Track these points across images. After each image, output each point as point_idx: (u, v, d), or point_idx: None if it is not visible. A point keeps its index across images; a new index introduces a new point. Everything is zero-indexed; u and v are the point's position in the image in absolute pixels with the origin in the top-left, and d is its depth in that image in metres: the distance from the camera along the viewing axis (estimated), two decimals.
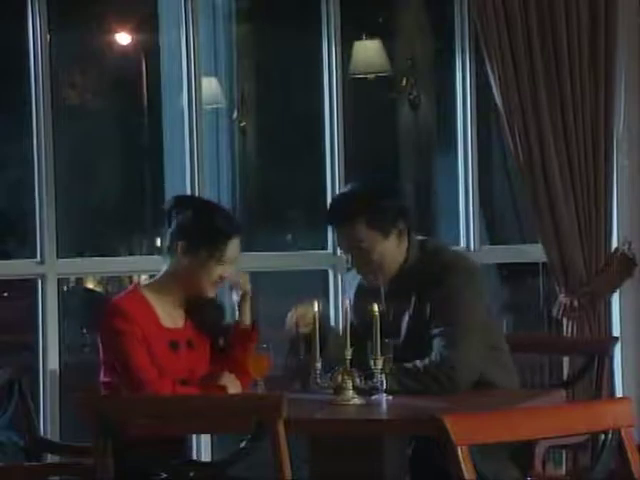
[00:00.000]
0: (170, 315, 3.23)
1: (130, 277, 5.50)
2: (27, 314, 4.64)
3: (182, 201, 3.32)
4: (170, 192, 4.80)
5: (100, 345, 3.22)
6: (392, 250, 3.11)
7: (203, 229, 3.16)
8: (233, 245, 3.15)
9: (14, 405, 3.48)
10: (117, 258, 5.19)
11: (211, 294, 3.22)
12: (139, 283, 3.43)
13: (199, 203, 3.35)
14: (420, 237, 3.24)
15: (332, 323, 4.42)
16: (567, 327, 4.44)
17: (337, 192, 4.33)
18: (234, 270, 3.23)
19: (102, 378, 3.20)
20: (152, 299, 3.19)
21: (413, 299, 3.12)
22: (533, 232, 4.60)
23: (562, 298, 4.41)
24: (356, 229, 3.08)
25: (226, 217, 3.23)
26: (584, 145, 4.33)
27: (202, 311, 3.28)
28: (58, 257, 4.32)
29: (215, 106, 5.94)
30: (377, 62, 6.08)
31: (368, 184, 3.28)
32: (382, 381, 2.98)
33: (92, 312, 6.54)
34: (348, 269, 3.29)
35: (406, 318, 3.13)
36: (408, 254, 3.15)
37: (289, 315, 3.12)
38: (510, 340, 3.35)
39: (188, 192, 4.39)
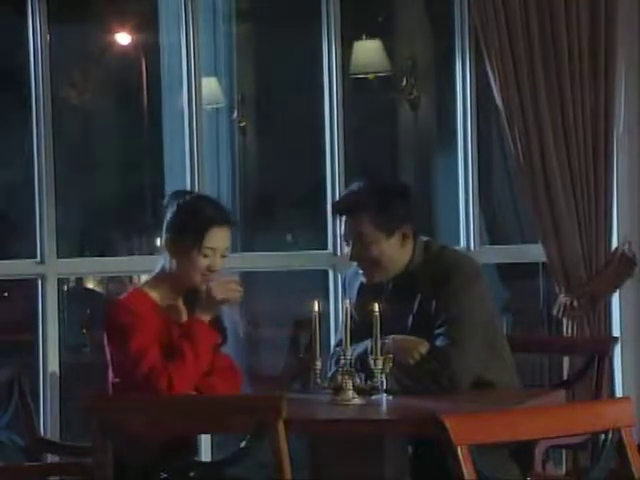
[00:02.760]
0: (174, 309, 3.24)
1: (130, 277, 5.50)
2: (27, 314, 4.64)
3: (173, 196, 3.32)
4: None
5: (108, 345, 3.22)
6: (393, 250, 3.11)
7: (184, 220, 3.15)
8: (214, 234, 3.13)
9: (14, 405, 3.48)
10: (117, 258, 5.19)
11: (202, 286, 3.21)
12: (138, 283, 3.45)
13: (187, 196, 3.33)
14: (424, 238, 3.23)
15: (332, 322, 4.44)
16: (567, 327, 4.44)
17: (344, 188, 4.31)
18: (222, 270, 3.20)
19: (111, 379, 3.19)
20: (154, 296, 3.20)
21: (417, 299, 3.12)
22: (533, 232, 4.60)
23: (562, 298, 4.41)
24: (360, 222, 3.08)
25: (209, 207, 3.20)
26: (584, 145, 4.33)
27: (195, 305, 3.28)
28: (58, 257, 4.32)
29: (215, 106, 5.95)
30: (377, 62, 6.08)
31: (381, 182, 3.28)
32: (382, 381, 2.98)
33: (93, 313, 6.53)
34: (350, 260, 3.26)
35: (410, 317, 3.13)
36: (413, 255, 3.15)
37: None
38: (510, 340, 3.35)
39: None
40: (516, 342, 3.46)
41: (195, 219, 3.15)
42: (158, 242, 3.28)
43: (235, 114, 6.17)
